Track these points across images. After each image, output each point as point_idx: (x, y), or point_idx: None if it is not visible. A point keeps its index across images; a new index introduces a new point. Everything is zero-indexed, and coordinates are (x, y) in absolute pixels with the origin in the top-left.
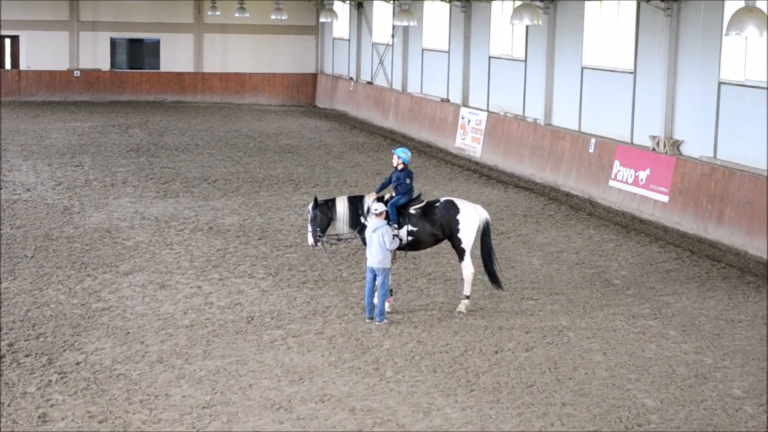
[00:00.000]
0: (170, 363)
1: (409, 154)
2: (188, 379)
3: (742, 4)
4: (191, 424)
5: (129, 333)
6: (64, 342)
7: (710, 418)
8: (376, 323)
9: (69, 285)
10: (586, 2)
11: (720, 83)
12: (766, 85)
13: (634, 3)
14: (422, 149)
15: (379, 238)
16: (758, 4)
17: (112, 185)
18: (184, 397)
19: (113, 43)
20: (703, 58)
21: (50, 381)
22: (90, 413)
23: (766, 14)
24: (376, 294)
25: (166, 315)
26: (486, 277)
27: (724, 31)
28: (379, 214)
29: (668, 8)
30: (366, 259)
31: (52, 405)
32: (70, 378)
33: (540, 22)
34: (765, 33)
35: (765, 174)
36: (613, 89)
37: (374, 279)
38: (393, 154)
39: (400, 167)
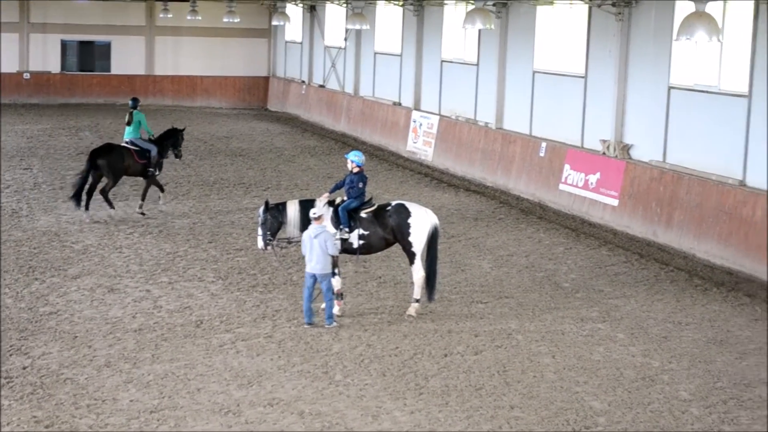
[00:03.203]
0: (118, 367)
1: (363, 157)
2: (136, 383)
3: (693, 9)
4: (139, 428)
5: (77, 337)
6: (11, 346)
7: (657, 420)
8: (326, 327)
9: (16, 289)
10: (538, 6)
11: (670, 88)
12: (715, 90)
13: (586, 7)
14: (374, 152)
15: (321, 243)
16: (708, 9)
17: (62, 188)
18: (131, 401)
19: (64, 45)
20: (654, 63)
21: None
22: (36, 418)
23: (715, 19)
24: (315, 299)
25: (114, 319)
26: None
27: (674, 36)
28: (317, 218)
29: (619, 13)
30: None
31: None
32: (17, 383)
33: (492, 27)
34: (714, 38)
35: (713, 178)
36: (564, 93)
37: (314, 284)
38: (346, 158)
39: (355, 170)
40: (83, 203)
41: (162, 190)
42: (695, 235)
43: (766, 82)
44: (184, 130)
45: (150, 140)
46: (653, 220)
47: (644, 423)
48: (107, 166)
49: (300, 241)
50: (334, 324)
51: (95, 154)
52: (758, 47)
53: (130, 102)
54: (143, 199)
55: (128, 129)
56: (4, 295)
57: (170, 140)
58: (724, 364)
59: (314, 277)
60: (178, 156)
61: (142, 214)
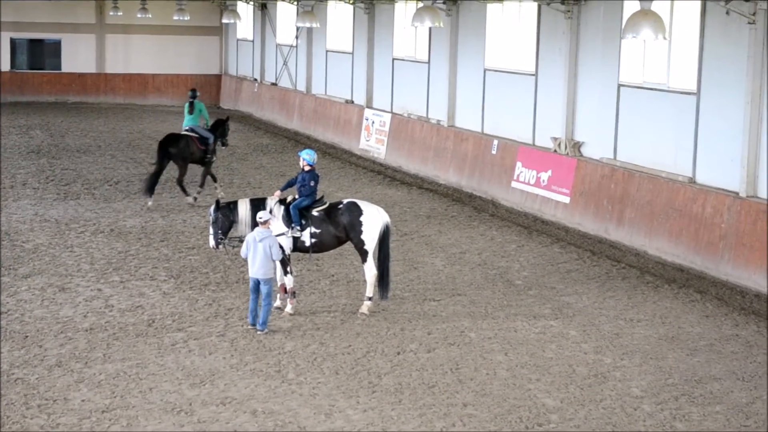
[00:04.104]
0: (69, 367)
1: (315, 155)
2: (87, 382)
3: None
4: (90, 428)
5: (27, 337)
6: None
7: (609, 417)
8: (258, 332)
9: None
10: (488, 4)
11: (620, 85)
12: (664, 88)
13: (535, 5)
14: (327, 150)
15: (266, 248)
16: (655, 7)
17: (12, 187)
18: (83, 401)
19: (13, 43)
20: (603, 61)
21: None
22: None
23: (661, 18)
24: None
25: (65, 318)
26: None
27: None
28: (263, 223)
29: (568, 11)
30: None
31: None
32: None
33: (441, 24)
34: (660, 36)
35: (663, 176)
36: (515, 91)
37: (257, 289)
38: (299, 156)
39: (306, 169)
40: (153, 193)
41: (215, 179)
42: (646, 233)
43: (714, 79)
44: (228, 119)
45: (206, 129)
46: (605, 218)
47: (596, 420)
48: (178, 154)
49: None
50: (266, 330)
51: (165, 144)
52: (706, 45)
53: (189, 93)
54: (201, 186)
55: (189, 117)
56: None
57: (219, 130)
58: (676, 360)
59: (257, 282)
60: (224, 144)
61: (194, 198)
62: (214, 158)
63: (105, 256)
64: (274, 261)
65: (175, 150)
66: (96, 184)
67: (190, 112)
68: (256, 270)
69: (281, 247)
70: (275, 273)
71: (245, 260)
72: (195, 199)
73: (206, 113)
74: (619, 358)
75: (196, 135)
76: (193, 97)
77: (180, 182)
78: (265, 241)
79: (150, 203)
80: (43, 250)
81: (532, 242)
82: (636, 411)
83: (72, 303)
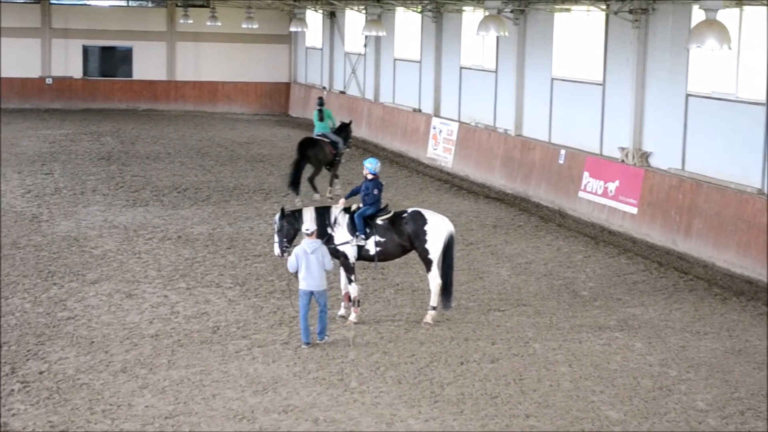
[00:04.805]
0: (134, 373)
1: (378, 164)
2: (151, 389)
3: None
4: None
5: (93, 342)
6: (28, 351)
7: (673, 430)
8: (318, 342)
9: (35, 293)
10: (556, 14)
11: (687, 95)
12: (733, 98)
13: (603, 15)
14: (394, 159)
15: (319, 258)
16: (724, 17)
17: (82, 193)
18: (146, 407)
19: (86, 50)
20: (671, 71)
21: (12, 390)
22: (51, 423)
23: (726, 27)
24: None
25: (131, 324)
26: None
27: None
28: (310, 234)
29: (636, 20)
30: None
31: (14, 414)
32: (33, 387)
33: (506, 33)
34: (725, 46)
35: (732, 186)
36: (582, 100)
37: (309, 302)
38: (363, 164)
39: (369, 177)
40: (299, 189)
41: (336, 177)
42: (714, 244)
43: None
44: (351, 123)
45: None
46: (672, 229)
47: None
48: (315, 156)
49: None
50: (327, 338)
51: (304, 147)
52: None
53: (317, 100)
54: (331, 185)
55: (320, 124)
56: (22, 300)
57: (343, 133)
58: (742, 374)
59: (310, 295)
60: (348, 146)
61: (321, 196)
62: (342, 160)
63: (172, 263)
64: (327, 271)
65: (312, 152)
66: (165, 191)
67: (320, 119)
68: (310, 282)
69: (346, 255)
70: (327, 285)
71: (294, 276)
72: (321, 196)
73: (334, 118)
74: (685, 370)
75: (328, 140)
76: (321, 104)
77: (312, 180)
78: (318, 252)
79: (298, 200)
80: (111, 257)
81: (598, 253)
82: (701, 425)
83: (138, 309)
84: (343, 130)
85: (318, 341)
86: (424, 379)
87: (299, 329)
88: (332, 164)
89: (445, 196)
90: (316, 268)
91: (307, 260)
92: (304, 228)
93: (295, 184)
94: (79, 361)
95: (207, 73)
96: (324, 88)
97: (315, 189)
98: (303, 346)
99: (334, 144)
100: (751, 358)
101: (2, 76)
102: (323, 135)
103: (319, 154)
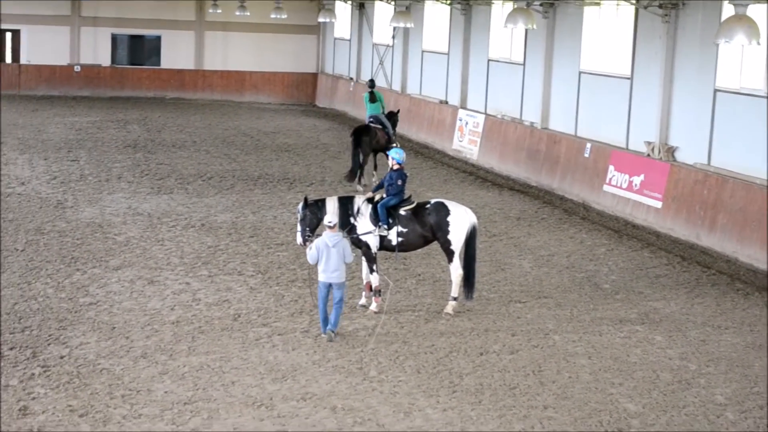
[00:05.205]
0: (154, 358)
1: (403, 154)
2: (171, 375)
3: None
4: (171, 419)
5: (115, 328)
6: (50, 336)
7: (691, 424)
8: (329, 330)
9: (58, 279)
10: (585, 7)
11: (716, 90)
12: (761, 94)
13: (633, 9)
14: (419, 150)
15: (340, 251)
16: (753, 12)
17: (107, 180)
18: (165, 392)
19: (114, 38)
20: (700, 66)
21: (33, 374)
22: (71, 407)
23: (756, 23)
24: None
25: (152, 311)
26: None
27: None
28: (332, 227)
29: (666, 15)
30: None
31: (34, 398)
32: (53, 372)
33: (534, 26)
34: (754, 41)
35: (758, 182)
36: (609, 94)
37: (328, 294)
38: (387, 155)
39: (394, 167)
40: (358, 177)
41: (375, 168)
42: (738, 239)
43: None
44: (399, 111)
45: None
46: (696, 223)
47: (679, 426)
48: (369, 143)
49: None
50: (334, 331)
51: (360, 134)
52: None
53: (368, 82)
54: (375, 169)
55: (371, 106)
56: (45, 285)
57: (391, 120)
58: (762, 368)
59: (329, 287)
60: (395, 134)
61: (365, 186)
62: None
63: (195, 251)
64: (346, 264)
65: (367, 139)
66: (190, 179)
67: (372, 100)
68: (330, 274)
69: (368, 245)
70: (346, 277)
71: (314, 267)
72: (365, 186)
73: (383, 101)
74: (705, 364)
75: (380, 126)
76: (372, 86)
77: (362, 167)
78: (339, 245)
79: (359, 187)
80: (135, 243)
81: (621, 246)
82: (719, 419)
83: (160, 296)
84: (392, 117)
85: (326, 330)
86: (443, 369)
87: (319, 318)
88: (384, 150)
89: (470, 188)
90: (336, 261)
91: (328, 253)
92: (326, 220)
93: (354, 173)
94: (100, 347)
95: (235, 62)
96: (351, 78)
97: (362, 175)
98: (322, 335)
99: (385, 129)
100: None
101: (32, 62)
102: (376, 119)
103: (371, 141)
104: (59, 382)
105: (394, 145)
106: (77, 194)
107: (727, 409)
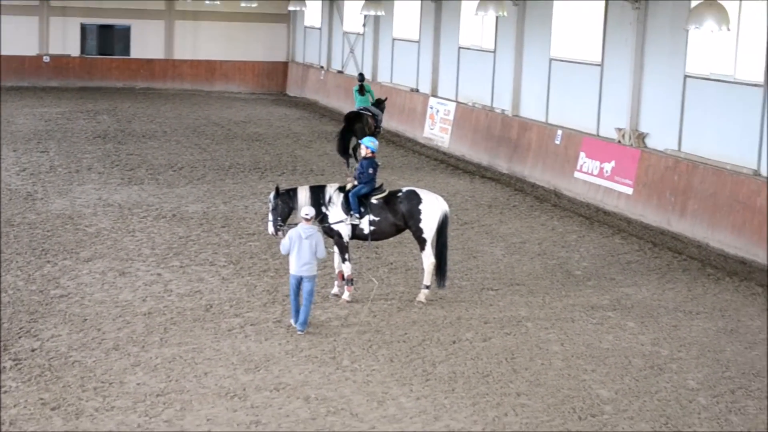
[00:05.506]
0: (126, 350)
1: (377, 143)
2: (143, 366)
3: None
4: (144, 411)
5: (86, 320)
6: (20, 329)
7: (663, 408)
8: (298, 332)
9: (28, 271)
10: None
11: (686, 77)
12: (730, 80)
13: None
14: (391, 138)
15: (312, 245)
16: None
17: (77, 171)
18: (138, 384)
19: (83, 28)
20: (670, 52)
21: (4, 368)
22: (43, 400)
23: (725, 9)
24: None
25: (124, 302)
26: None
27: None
28: (308, 219)
29: (636, 1)
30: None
31: (5, 392)
32: (25, 365)
33: (505, 14)
34: (724, 27)
35: (728, 167)
36: (580, 81)
37: (299, 286)
38: (361, 143)
39: (367, 156)
40: (348, 158)
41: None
42: (709, 225)
43: None
44: (386, 99)
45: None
46: (667, 209)
47: (651, 411)
48: (361, 129)
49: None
50: (305, 330)
51: (352, 120)
52: None
53: (358, 76)
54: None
55: (360, 98)
56: (15, 278)
57: (379, 107)
58: (734, 353)
59: (299, 280)
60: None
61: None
62: (382, 131)
63: (166, 241)
64: (318, 259)
65: (359, 125)
66: (160, 169)
67: (361, 93)
68: (299, 267)
69: (340, 234)
70: (317, 271)
71: (285, 257)
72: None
73: (373, 93)
74: (677, 350)
75: (370, 113)
76: (362, 80)
77: (355, 151)
78: (312, 238)
79: (349, 170)
80: (106, 234)
81: (593, 233)
82: (691, 403)
83: (132, 287)
84: (378, 105)
85: (298, 331)
86: (416, 357)
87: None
88: (374, 135)
89: (441, 176)
90: (308, 254)
91: (300, 245)
92: (303, 212)
93: (344, 151)
94: (72, 339)
95: (205, 51)
96: (321, 67)
97: (356, 158)
98: (294, 326)
99: (375, 117)
100: (743, 337)
101: (0, 53)
102: (366, 108)
103: (364, 127)
104: (31, 375)
105: (380, 132)
106: (47, 186)
107: (699, 394)
